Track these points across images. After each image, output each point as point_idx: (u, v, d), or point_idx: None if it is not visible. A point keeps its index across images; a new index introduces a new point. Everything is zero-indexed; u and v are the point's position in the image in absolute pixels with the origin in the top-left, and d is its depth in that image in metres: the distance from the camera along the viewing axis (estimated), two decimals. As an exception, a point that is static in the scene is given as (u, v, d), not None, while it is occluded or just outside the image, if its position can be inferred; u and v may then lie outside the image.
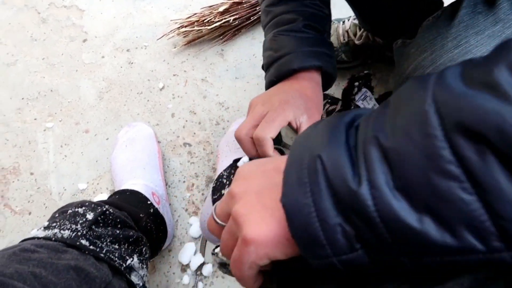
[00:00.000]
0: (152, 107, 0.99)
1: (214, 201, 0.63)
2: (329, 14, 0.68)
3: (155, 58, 1.06)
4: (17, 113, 0.99)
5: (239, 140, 0.56)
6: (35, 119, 0.98)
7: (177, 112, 0.98)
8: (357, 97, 0.75)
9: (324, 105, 0.89)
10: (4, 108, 0.99)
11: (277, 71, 0.60)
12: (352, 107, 0.75)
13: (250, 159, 0.58)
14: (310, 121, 0.56)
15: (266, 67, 0.63)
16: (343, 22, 1.00)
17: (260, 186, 0.31)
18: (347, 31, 0.98)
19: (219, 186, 0.65)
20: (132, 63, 1.06)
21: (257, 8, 1.07)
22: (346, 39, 0.98)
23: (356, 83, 0.74)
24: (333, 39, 1.00)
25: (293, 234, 0.27)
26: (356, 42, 0.96)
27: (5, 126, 0.97)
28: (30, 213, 0.87)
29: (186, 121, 0.97)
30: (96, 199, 0.87)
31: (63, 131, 0.96)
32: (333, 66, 0.63)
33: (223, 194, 0.59)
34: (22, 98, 1.01)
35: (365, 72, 0.75)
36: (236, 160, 0.67)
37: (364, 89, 0.76)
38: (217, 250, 0.37)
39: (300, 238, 0.27)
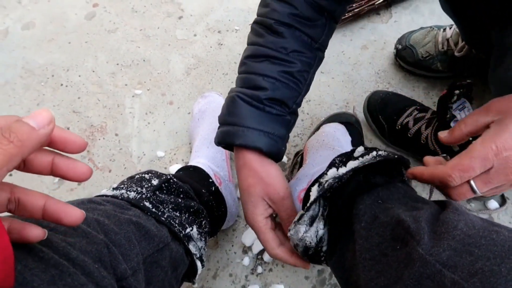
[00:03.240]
0: (235, 89, 1.01)
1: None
2: (307, 89, 0.61)
3: (244, 42, 1.07)
4: (111, 77, 1.05)
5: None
6: (126, 84, 1.03)
7: (259, 97, 0.99)
8: (454, 106, 0.71)
9: (412, 112, 0.86)
10: (100, 71, 1.05)
11: (222, 138, 0.57)
12: (448, 115, 0.71)
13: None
14: (274, 196, 0.56)
15: (219, 121, 0.60)
16: (444, 29, 0.95)
17: None
18: (447, 40, 0.93)
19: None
20: (221, 44, 1.08)
21: (353, 6, 1.05)
22: (445, 48, 0.93)
23: (457, 91, 0.70)
24: (430, 46, 0.95)
25: None
26: (456, 54, 0.91)
27: (99, 87, 1.03)
28: (110, 171, 0.92)
29: (267, 107, 0.97)
30: (171, 168, 0.90)
31: (149, 99, 1.01)
32: (278, 149, 0.57)
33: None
34: (117, 64, 1.07)
35: (468, 81, 0.71)
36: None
37: (463, 99, 0.72)
38: None
39: None
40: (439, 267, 0.34)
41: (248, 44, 0.61)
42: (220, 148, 0.82)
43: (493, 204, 0.83)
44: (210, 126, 0.86)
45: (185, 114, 0.98)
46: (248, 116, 0.56)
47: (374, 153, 0.52)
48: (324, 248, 0.53)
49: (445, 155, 0.78)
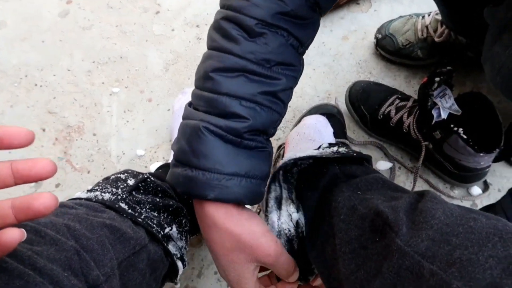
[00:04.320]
0: (215, 83, 0.99)
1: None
2: (285, 110, 0.49)
3: (223, 36, 1.06)
4: (87, 75, 1.02)
5: None
6: (103, 82, 1.01)
7: (240, 91, 0.97)
8: (435, 93, 0.70)
9: (394, 101, 0.85)
10: (76, 69, 1.02)
11: (186, 187, 0.43)
12: (429, 103, 0.71)
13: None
14: (263, 258, 0.46)
15: (175, 158, 0.45)
16: (423, 17, 0.94)
17: None
18: (426, 27, 0.92)
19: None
20: (200, 38, 1.06)
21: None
22: (425, 35, 0.92)
23: (437, 79, 0.69)
24: (409, 34, 0.95)
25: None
26: (436, 39, 0.91)
27: (75, 86, 1.00)
28: (89, 172, 0.90)
29: (248, 101, 0.96)
30: (152, 166, 0.88)
31: (127, 97, 0.98)
32: (261, 194, 0.47)
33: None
34: (93, 62, 1.04)
35: (448, 68, 0.70)
36: None
37: (443, 86, 0.71)
38: None
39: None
40: (417, 258, 0.33)
41: (213, 48, 0.45)
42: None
43: (476, 190, 0.83)
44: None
45: (165, 111, 0.96)
46: (224, 157, 0.42)
47: (335, 148, 0.53)
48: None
49: (427, 142, 0.78)
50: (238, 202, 0.44)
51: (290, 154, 0.55)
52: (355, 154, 0.54)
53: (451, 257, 0.32)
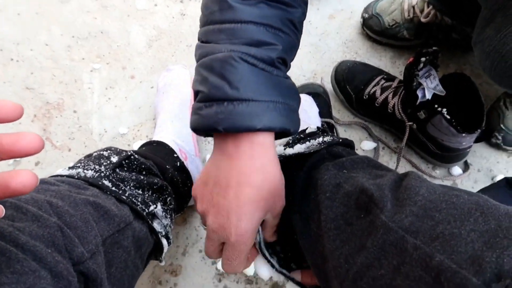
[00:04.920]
0: (200, 61, 0.97)
1: None
2: (299, 44, 0.49)
3: (208, 12, 1.03)
4: (66, 50, 0.98)
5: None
6: (83, 58, 0.98)
7: (225, 69, 0.96)
8: (420, 73, 0.71)
9: (379, 81, 0.85)
10: (55, 44, 0.99)
11: (230, 123, 0.40)
12: (415, 83, 0.71)
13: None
14: (275, 212, 0.46)
15: (206, 98, 0.41)
16: (410, -3, 0.94)
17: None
18: (413, 7, 0.92)
19: None
20: (184, 14, 1.04)
21: (320, -27, 1.02)
22: (411, 15, 0.92)
23: (423, 59, 0.69)
24: (396, 13, 0.94)
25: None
26: (422, 19, 0.90)
27: (54, 62, 0.97)
28: (69, 150, 0.88)
29: (233, 80, 0.95)
30: (135, 145, 0.87)
31: (109, 74, 0.96)
32: (298, 125, 0.45)
33: None
34: (73, 37, 1.00)
35: (434, 48, 0.70)
36: None
37: (429, 66, 0.72)
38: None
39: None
40: (401, 233, 0.34)
41: None
42: (185, 122, 0.80)
43: (456, 170, 0.85)
44: (175, 100, 0.83)
45: (148, 88, 0.94)
46: (261, 85, 0.41)
47: (320, 139, 0.53)
48: None
49: (411, 123, 0.79)
50: (284, 130, 0.42)
51: (279, 148, 0.55)
52: (340, 140, 0.55)
53: (434, 232, 0.32)
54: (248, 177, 0.42)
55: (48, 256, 0.35)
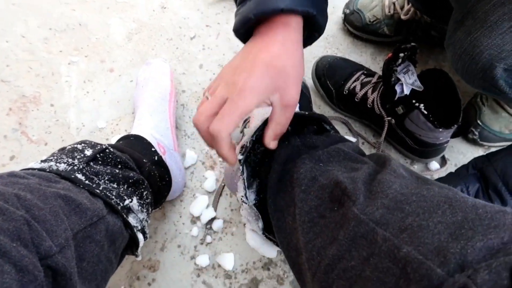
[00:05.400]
0: (180, 55, 0.96)
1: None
2: None
3: (189, 6, 1.02)
4: (44, 42, 0.96)
5: (196, 127, 0.47)
6: (61, 51, 0.96)
7: (206, 64, 0.95)
8: (399, 69, 0.71)
9: (359, 77, 0.86)
10: (32, 36, 0.96)
11: (258, 9, 0.44)
12: (393, 78, 0.71)
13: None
14: (284, 97, 0.46)
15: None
16: (391, -7, 0.94)
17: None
18: (394, 3, 0.93)
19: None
20: (165, 7, 1.02)
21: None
22: (392, 12, 0.93)
23: (401, 54, 0.70)
24: (377, 10, 0.95)
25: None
26: (402, 16, 0.91)
27: (30, 54, 0.95)
28: (46, 144, 0.86)
29: (214, 74, 0.94)
30: (113, 139, 0.85)
31: (87, 67, 0.94)
32: (325, 19, 0.49)
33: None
34: (50, 28, 0.98)
35: (412, 44, 0.71)
36: None
37: (407, 62, 0.72)
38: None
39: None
40: (372, 225, 0.34)
41: None
42: (164, 116, 0.79)
43: (434, 165, 0.86)
44: (154, 94, 0.82)
45: (128, 82, 0.93)
46: None
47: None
48: None
49: (389, 118, 0.79)
50: (308, 14, 0.45)
51: (247, 137, 0.54)
52: (306, 113, 0.53)
53: (403, 224, 0.33)
54: (268, 47, 0.45)
55: (12, 250, 0.34)
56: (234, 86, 0.44)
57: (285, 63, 0.45)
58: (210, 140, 0.46)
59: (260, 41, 0.46)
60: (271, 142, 0.49)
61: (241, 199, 0.52)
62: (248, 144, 0.51)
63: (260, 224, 0.53)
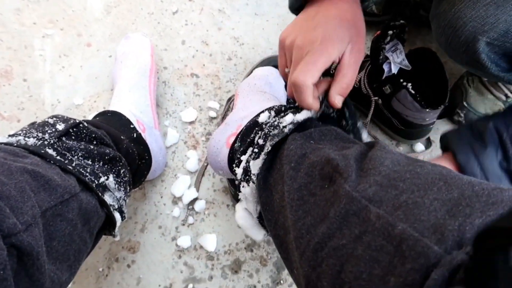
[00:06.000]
0: (162, 30, 0.92)
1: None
2: None
3: (171, -21, 0.98)
4: (16, 13, 0.91)
5: (303, 83, 0.47)
6: (35, 23, 0.90)
7: (188, 40, 0.91)
8: (387, 47, 0.69)
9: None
10: (2, 7, 0.91)
11: None
12: (381, 57, 0.70)
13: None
14: (354, 49, 0.48)
15: None
16: (380, -30, 0.92)
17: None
18: (383, -19, 0.90)
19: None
20: (146, -20, 0.98)
21: None
22: (380, -11, 0.90)
23: (390, 32, 0.68)
24: (365, -13, 0.92)
25: None
26: (391, -6, 0.89)
27: (1, 26, 0.89)
28: (19, 121, 0.82)
29: (197, 51, 0.90)
30: (91, 116, 0.82)
31: (63, 40, 0.89)
32: None
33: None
34: (23, -1, 0.92)
35: (401, 22, 0.69)
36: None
37: (396, 40, 0.70)
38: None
39: None
40: (365, 202, 0.33)
41: None
42: (144, 93, 0.75)
43: (419, 147, 0.85)
44: (133, 69, 0.78)
45: (106, 57, 0.89)
46: None
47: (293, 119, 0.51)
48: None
49: (376, 98, 0.78)
50: None
51: (250, 112, 0.52)
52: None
53: (397, 201, 0.32)
54: (336, 4, 0.49)
55: (-28, 227, 0.31)
56: (312, 40, 0.47)
57: (354, 17, 0.49)
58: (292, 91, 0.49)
59: (323, 4, 0.50)
60: (336, 97, 0.50)
61: (252, 177, 0.49)
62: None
63: (258, 207, 0.51)
